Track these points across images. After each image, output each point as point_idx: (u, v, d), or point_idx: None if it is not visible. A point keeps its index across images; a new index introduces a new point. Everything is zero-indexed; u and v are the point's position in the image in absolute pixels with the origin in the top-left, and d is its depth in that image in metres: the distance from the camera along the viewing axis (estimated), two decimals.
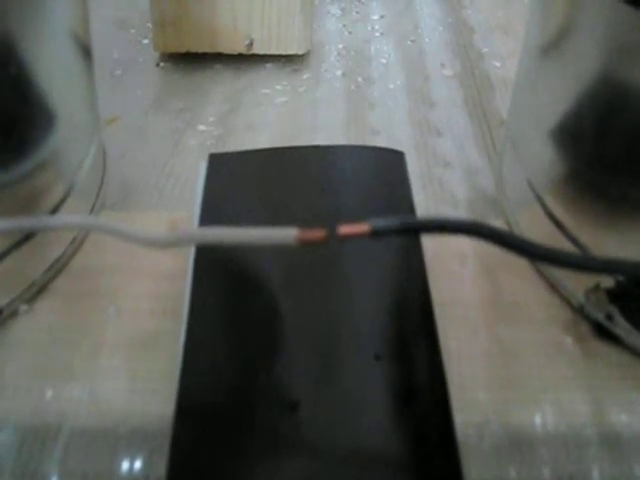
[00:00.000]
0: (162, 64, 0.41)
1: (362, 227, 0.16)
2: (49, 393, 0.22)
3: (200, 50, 0.40)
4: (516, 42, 0.42)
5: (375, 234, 0.16)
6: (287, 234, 0.17)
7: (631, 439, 0.21)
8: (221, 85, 0.39)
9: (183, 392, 0.20)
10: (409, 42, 0.44)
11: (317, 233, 0.16)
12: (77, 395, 0.22)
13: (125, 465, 0.20)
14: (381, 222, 0.16)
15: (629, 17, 0.19)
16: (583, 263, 0.16)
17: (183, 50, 0.40)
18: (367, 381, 0.21)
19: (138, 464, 0.20)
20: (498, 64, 0.41)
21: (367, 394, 0.20)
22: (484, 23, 0.46)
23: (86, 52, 0.27)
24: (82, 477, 0.20)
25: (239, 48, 0.39)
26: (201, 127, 0.35)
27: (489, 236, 0.15)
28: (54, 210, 0.25)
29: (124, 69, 0.40)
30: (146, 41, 0.43)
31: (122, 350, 0.23)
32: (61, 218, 0.21)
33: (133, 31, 0.44)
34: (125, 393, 0.22)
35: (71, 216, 0.25)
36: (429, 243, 0.26)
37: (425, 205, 0.30)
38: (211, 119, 0.36)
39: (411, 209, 0.27)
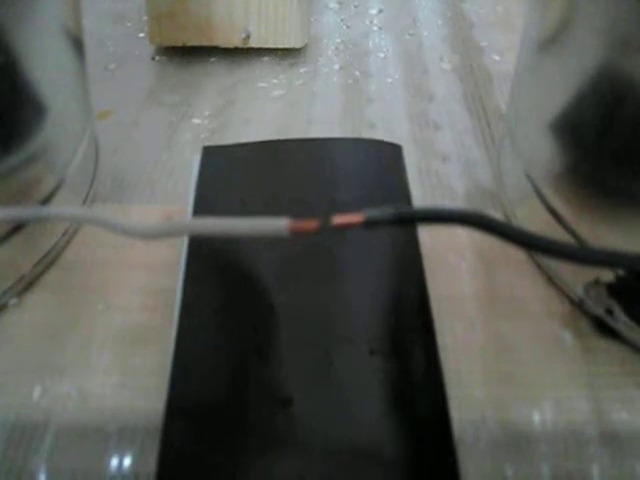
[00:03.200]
0: (158, 58, 0.41)
1: (356, 217, 0.16)
2: (37, 389, 0.22)
3: (196, 43, 0.39)
4: (515, 36, 0.41)
5: (369, 224, 0.16)
6: (279, 224, 0.16)
7: (632, 437, 0.21)
8: (217, 79, 0.39)
9: (174, 388, 0.20)
10: (407, 36, 0.44)
11: (310, 223, 0.16)
12: (66, 391, 0.22)
13: (114, 462, 0.20)
14: (375, 212, 0.16)
15: (630, 8, 0.18)
16: (583, 255, 0.15)
17: (179, 43, 0.39)
18: (362, 377, 0.20)
19: (128, 461, 0.20)
20: (497, 58, 0.40)
21: (362, 390, 0.20)
22: (483, 17, 0.45)
23: (78, 44, 0.27)
24: (71, 474, 0.20)
25: (235, 41, 0.39)
26: (196, 121, 0.35)
27: (486, 226, 0.15)
28: (43, 203, 0.24)
29: (119, 63, 0.40)
30: (142, 34, 0.43)
31: (112, 345, 0.23)
32: (48, 209, 0.21)
33: (129, 24, 0.44)
34: (115, 389, 0.22)
35: (58, 207, 0.24)
36: (426, 236, 0.25)
37: (423, 199, 0.30)
38: (206, 113, 0.36)
39: (408, 203, 0.26)
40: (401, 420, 0.19)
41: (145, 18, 0.39)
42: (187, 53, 0.40)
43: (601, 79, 0.20)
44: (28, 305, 0.24)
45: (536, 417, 0.21)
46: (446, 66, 0.40)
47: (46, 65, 0.24)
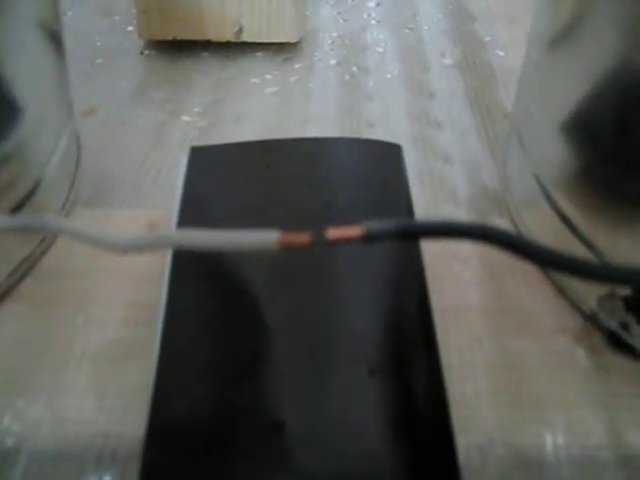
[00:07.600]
0: (146, 52, 0.39)
1: (353, 230, 0.14)
2: (7, 411, 0.20)
3: (186, 37, 0.38)
4: (519, 30, 0.41)
5: (368, 238, 0.14)
6: (267, 238, 0.15)
7: None
8: (208, 74, 0.37)
9: (156, 410, 0.19)
10: (407, 30, 0.42)
11: (301, 237, 0.14)
12: (39, 414, 0.20)
13: None
14: (375, 225, 0.14)
15: None
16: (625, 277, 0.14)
17: (168, 37, 0.38)
18: (359, 399, 0.19)
19: None
20: (501, 53, 0.39)
21: (359, 413, 0.19)
22: (486, 10, 0.44)
23: (56, 38, 0.25)
24: None
25: (228, 35, 0.38)
26: (185, 118, 0.34)
27: (502, 242, 0.13)
28: (19, 206, 0.23)
29: (106, 57, 0.39)
30: (130, 28, 0.41)
31: (91, 363, 0.22)
32: (13, 219, 0.19)
33: (117, 18, 0.43)
34: (92, 412, 0.20)
35: (27, 216, 0.22)
36: (428, 243, 0.24)
37: (424, 202, 0.28)
38: (196, 110, 0.34)
39: (409, 207, 0.25)
40: (402, 445, 0.18)
41: (134, 11, 0.38)
42: (177, 47, 0.39)
43: (618, 76, 0.19)
44: (1, 318, 0.23)
45: (548, 441, 0.20)
46: (447, 62, 0.39)
47: (20, 60, 0.22)
